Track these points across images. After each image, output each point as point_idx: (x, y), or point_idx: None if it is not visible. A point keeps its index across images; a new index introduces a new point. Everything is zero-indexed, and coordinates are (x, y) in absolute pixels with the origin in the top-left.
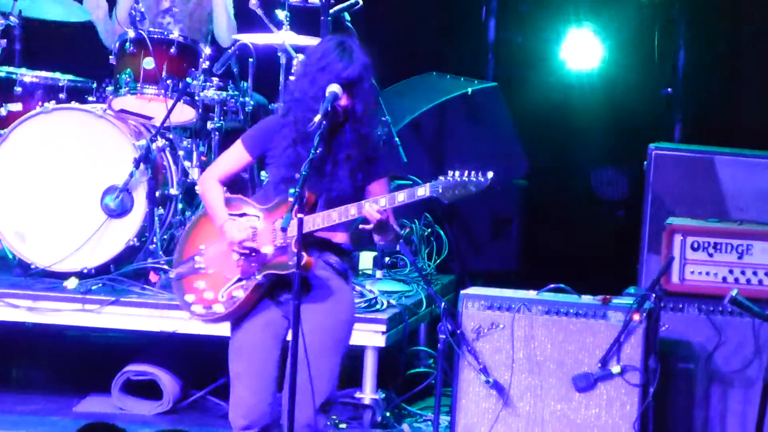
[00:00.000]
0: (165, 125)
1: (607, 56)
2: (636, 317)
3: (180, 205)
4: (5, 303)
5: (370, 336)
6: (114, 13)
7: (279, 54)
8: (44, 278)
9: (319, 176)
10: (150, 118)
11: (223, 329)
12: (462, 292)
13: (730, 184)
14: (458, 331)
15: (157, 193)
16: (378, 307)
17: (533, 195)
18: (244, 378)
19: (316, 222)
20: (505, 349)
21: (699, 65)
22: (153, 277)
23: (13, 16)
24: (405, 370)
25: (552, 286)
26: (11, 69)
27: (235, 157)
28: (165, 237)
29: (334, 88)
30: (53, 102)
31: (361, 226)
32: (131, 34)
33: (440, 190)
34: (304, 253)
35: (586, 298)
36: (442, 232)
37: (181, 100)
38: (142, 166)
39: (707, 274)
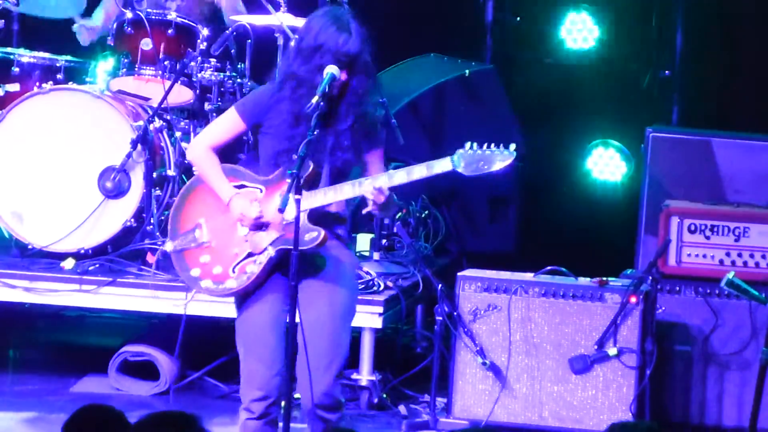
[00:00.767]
0: (162, 106)
1: (605, 38)
2: (633, 299)
3: (177, 186)
4: (2, 283)
5: (367, 317)
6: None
7: (276, 35)
8: (41, 258)
9: (320, 150)
10: (147, 99)
11: (222, 310)
12: (459, 274)
13: (727, 167)
14: (455, 313)
15: (155, 174)
16: (375, 288)
17: (531, 176)
18: (257, 350)
19: (328, 195)
20: (501, 331)
21: (697, 48)
22: (150, 257)
23: None
24: (402, 351)
25: (549, 268)
26: (9, 49)
27: (228, 124)
28: (162, 218)
29: (332, 69)
30: (51, 82)
31: (364, 211)
32: (129, 15)
33: (462, 164)
34: (321, 229)
35: (583, 280)
36: (438, 214)
37: (179, 81)
38: (139, 146)
39: (704, 256)
